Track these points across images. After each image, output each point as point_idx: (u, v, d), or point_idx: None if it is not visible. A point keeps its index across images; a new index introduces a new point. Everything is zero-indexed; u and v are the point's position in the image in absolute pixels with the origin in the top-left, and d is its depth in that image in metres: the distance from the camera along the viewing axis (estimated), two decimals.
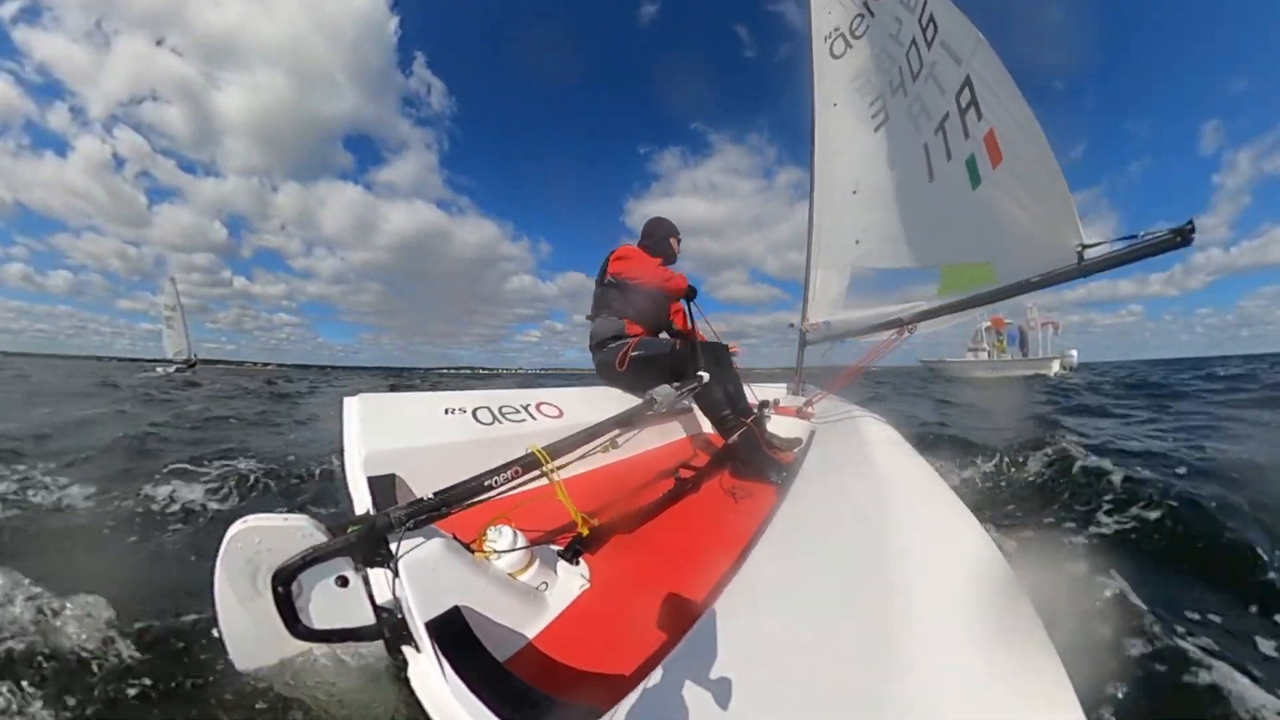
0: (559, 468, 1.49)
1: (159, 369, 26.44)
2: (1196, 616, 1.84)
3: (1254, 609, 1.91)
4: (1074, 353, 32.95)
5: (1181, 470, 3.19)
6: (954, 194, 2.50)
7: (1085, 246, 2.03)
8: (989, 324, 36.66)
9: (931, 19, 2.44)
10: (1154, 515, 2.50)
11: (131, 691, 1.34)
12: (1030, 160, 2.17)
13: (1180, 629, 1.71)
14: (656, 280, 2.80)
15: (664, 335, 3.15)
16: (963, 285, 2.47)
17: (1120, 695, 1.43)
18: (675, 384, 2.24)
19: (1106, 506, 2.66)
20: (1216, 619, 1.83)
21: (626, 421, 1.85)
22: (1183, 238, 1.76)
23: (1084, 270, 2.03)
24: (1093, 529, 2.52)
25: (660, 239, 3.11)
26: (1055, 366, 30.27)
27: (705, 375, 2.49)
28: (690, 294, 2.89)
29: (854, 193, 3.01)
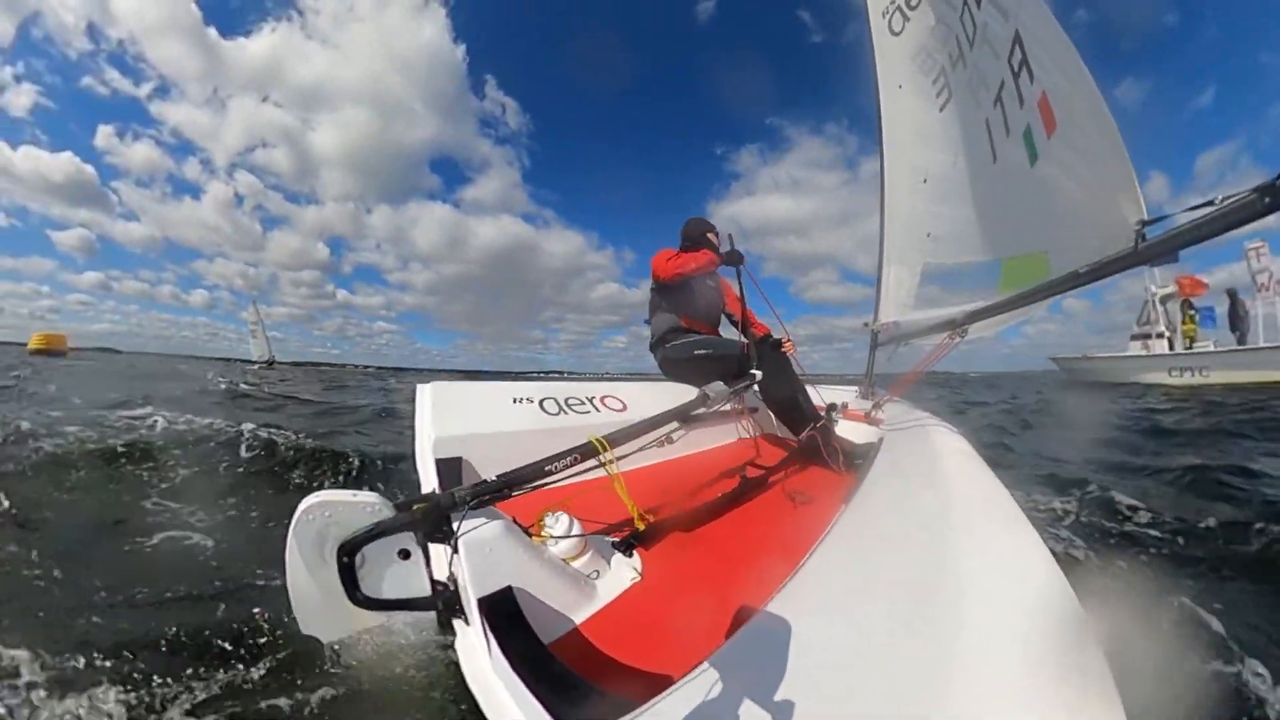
0: (617, 458, 1.51)
1: (251, 368, 35.01)
2: None
3: None
4: None
5: None
6: (1014, 174, 2.09)
7: (1146, 224, 1.60)
8: (1171, 290, 18.68)
9: None
10: None
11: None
12: (1085, 123, 1.78)
13: None
14: (669, 271, 2.77)
15: (724, 335, 3.12)
16: (1020, 280, 2.06)
17: None
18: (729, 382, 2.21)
19: None
20: None
21: (682, 415, 1.84)
22: (1273, 197, 1.26)
23: (1143, 256, 1.60)
24: None
25: (695, 236, 3.05)
26: None
27: (758, 373, 2.43)
28: (732, 259, 2.70)
29: (924, 181, 2.64)
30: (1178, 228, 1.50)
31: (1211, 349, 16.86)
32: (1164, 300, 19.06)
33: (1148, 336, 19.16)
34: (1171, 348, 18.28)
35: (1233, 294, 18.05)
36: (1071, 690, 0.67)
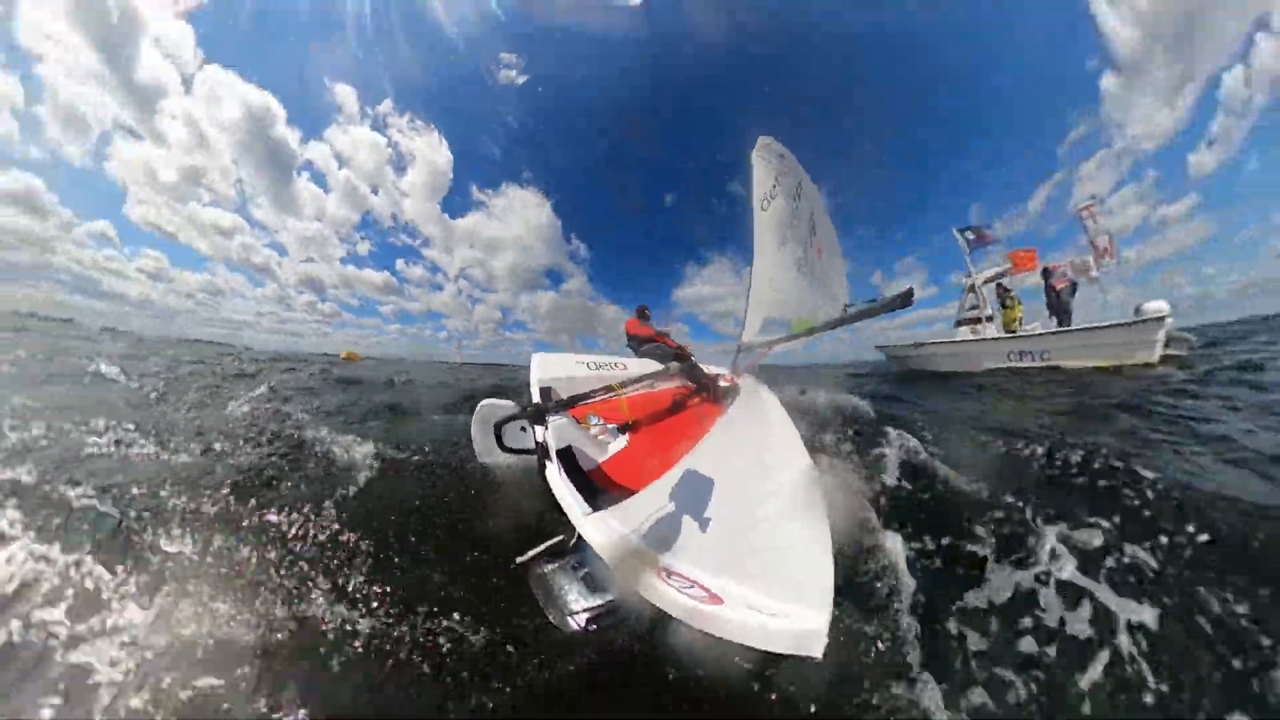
0: (623, 389, 2.88)
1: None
2: None
3: None
4: (1162, 307, 9.68)
5: None
6: (808, 279, 4.16)
7: (847, 306, 3.60)
8: (1003, 267, 15.15)
9: (800, 185, 4.29)
10: None
11: None
12: (829, 256, 3.82)
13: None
14: (646, 333, 4.79)
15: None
16: (798, 330, 4.03)
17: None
18: (677, 363, 4.07)
19: None
20: None
21: (657, 375, 3.49)
22: (903, 301, 2.91)
23: (843, 320, 3.55)
24: None
25: (645, 315, 5.15)
26: (1156, 344, 9.63)
27: (688, 359, 4.31)
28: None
29: (770, 280, 4.70)
30: (855, 310, 3.46)
31: (1036, 330, 13.01)
32: (982, 283, 15.41)
33: (976, 321, 15.57)
34: (997, 329, 14.51)
35: (1045, 274, 14.06)
36: (801, 520, 1.56)
